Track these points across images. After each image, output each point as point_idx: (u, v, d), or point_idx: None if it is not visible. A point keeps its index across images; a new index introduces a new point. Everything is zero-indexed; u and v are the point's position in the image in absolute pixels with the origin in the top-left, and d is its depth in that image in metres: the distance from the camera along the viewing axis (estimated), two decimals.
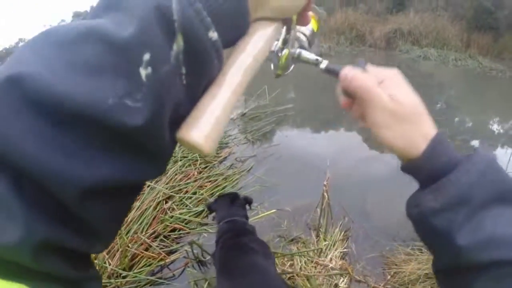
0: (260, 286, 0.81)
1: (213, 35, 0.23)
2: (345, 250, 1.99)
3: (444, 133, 0.39)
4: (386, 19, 10.24)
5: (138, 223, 2.01)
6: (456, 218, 0.35)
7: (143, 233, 1.95)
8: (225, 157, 2.97)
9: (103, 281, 1.64)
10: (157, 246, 1.89)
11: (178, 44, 0.21)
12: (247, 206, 1.43)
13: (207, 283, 1.69)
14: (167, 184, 2.39)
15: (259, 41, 0.30)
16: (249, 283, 0.82)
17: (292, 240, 2.03)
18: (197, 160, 2.72)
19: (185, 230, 2.06)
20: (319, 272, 1.80)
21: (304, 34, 0.48)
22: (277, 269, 1.64)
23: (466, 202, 0.35)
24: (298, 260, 1.85)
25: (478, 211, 0.35)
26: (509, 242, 0.34)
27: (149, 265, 1.80)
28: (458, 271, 0.37)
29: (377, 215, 2.32)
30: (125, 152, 0.21)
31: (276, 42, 0.42)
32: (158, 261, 1.82)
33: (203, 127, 0.25)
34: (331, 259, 1.88)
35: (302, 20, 0.35)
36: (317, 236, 2.05)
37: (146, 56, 0.20)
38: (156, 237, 1.97)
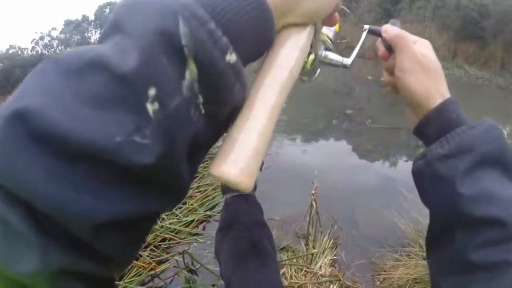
0: None
1: (231, 57, 0.20)
2: (334, 257, 2.01)
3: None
4: None
5: None
6: (459, 165, 0.38)
7: None
8: None
9: None
10: (147, 256, 1.89)
11: (191, 72, 0.19)
12: None
13: None
14: None
15: (292, 51, 0.26)
16: None
17: (282, 249, 2.04)
18: None
19: (175, 240, 2.06)
20: (310, 280, 1.81)
21: (327, 35, 0.46)
22: None
23: (469, 151, 0.38)
24: (289, 269, 1.86)
25: (479, 166, 0.38)
26: (504, 202, 0.37)
27: (139, 275, 1.80)
28: (453, 233, 0.39)
29: (366, 223, 2.35)
30: (140, 186, 0.20)
31: None
32: (149, 271, 1.82)
33: (237, 159, 0.22)
34: (320, 267, 1.89)
35: (330, 21, 0.32)
36: (306, 244, 2.06)
37: (152, 92, 0.18)
38: (146, 246, 1.97)
